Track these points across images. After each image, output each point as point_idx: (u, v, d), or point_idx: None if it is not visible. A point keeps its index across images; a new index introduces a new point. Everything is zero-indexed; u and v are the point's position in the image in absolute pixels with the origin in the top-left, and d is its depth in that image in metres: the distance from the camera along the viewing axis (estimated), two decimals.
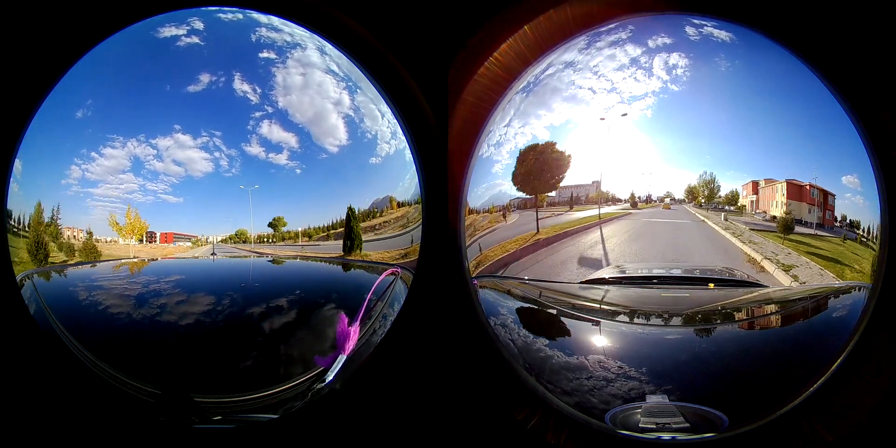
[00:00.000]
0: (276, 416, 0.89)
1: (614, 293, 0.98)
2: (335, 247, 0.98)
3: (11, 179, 0.85)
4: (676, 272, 0.97)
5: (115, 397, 0.87)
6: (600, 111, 0.94)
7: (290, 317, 0.92)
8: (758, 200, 1.03)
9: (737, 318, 0.97)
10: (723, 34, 0.90)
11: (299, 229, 0.96)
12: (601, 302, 0.99)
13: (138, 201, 0.87)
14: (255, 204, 0.91)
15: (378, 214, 0.99)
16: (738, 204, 1.04)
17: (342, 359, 0.89)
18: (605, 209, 1.06)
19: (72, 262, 0.91)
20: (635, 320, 0.97)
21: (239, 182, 0.89)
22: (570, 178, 1.02)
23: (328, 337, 0.92)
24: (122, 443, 0.87)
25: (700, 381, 0.87)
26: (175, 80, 0.87)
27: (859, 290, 0.88)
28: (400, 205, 1.01)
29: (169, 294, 0.90)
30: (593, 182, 1.04)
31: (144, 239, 0.92)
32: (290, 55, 0.92)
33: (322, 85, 0.93)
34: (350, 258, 1.01)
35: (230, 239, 0.93)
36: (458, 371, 0.91)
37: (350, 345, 0.90)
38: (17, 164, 0.86)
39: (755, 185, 1.02)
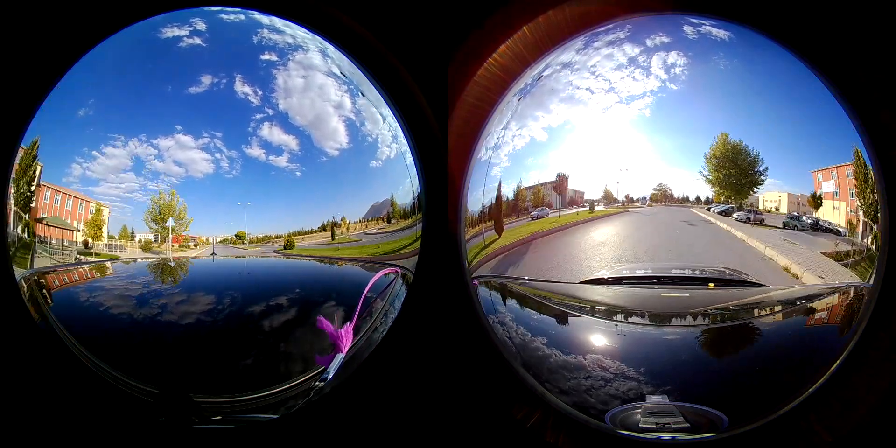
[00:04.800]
0: (276, 416, 0.89)
1: (614, 293, 0.97)
2: None
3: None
4: (676, 272, 0.97)
5: (115, 397, 0.87)
6: (598, 111, 0.93)
7: (289, 315, 0.92)
8: None
9: (737, 318, 0.97)
10: (722, 33, 0.89)
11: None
12: (601, 302, 0.98)
13: (139, 201, 0.87)
14: (255, 205, 0.91)
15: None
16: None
17: (340, 357, 0.89)
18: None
19: (71, 262, 0.91)
20: (635, 320, 0.97)
21: (240, 183, 0.89)
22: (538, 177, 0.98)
23: (326, 335, 0.92)
24: (122, 443, 0.87)
25: (700, 381, 0.87)
26: (177, 81, 0.87)
27: (859, 290, 0.88)
28: (401, 209, 1.01)
29: (169, 294, 0.90)
30: (559, 176, 0.96)
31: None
32: (292, 57, 0.92)
33: (323, 88, 0.93)
34: (349, 258, 1.01)
35: (229, 240, 0.93)
36: (458, 370, 0.91)
37: (346, 344, 0.90)
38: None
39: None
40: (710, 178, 0.87)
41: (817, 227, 0.84)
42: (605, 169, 0.94)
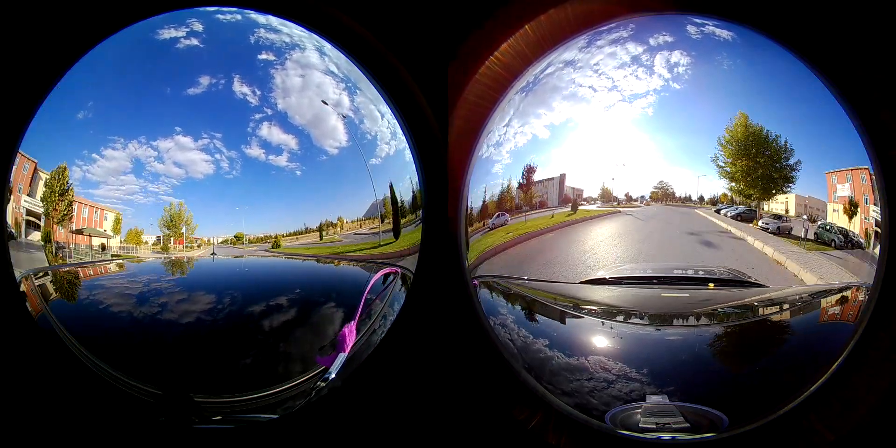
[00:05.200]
0: (276, 416, 0.89)
1: (614, 293, 0.97)
2: None
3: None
4: (677, 272, 0.97)
5: (115, 397, 0.87)
6: (601, 109, 0.91)
7: (289, 316, 0.92)
8: None
9: (737, 318, 0.97)
10: (724, 33, 0.89)
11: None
12: (601, 302, 0.98)
13: (139, 202, 0.87)
14: (257, 205, 0.92)
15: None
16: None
17: (342, 358, 0.89)
18: None
19: (72, 261, 0.91)
20: (635, 320, 0.97)
21: (240, 184, 0.89)
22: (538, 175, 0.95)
23: (328, 336, 0.92)
24: (122, 443, 0.87)
25: (700, 382, 0.87)
26: (175, 83, 0.87)
27: (859, 289, 0.88)
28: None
29: (169, 293, 0.90)
30: (527, 170, 0.93)
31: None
32: (289, 56, 0.92)
33: (321, 86, 0.93)
34: (349, 256, 1.01)
35: (229, 241, 0.94)
36: (458, 371, 0.91)
37: (349, 344, 0.90)
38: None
39: None
40: (727, 169, 0.74)
41: (848, 240, 0.70)
42: (601, 165, 0.90)
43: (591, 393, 0.88)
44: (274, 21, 0.93)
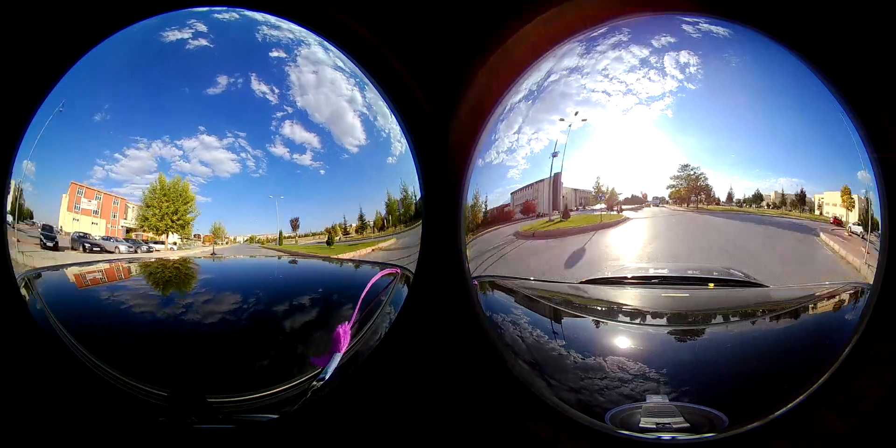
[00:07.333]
0: (276, 416, 0.89)
1: (614, 293, 0.98)
2: None
3: (23, 180, 0.86)
4: (677, 272, 0.97)
5: (115, 397, 0.87)
6: (619, 112, 0.90)
7: (289, 316, 0.92)
8: None
9: (737, 318, 0.97)
10: (721, 30, 0.88)
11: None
12: (601, 301, 0.99)
13: None
14: (283, 204, 0.92)
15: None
16: None
17: (338, 358, 0.89)
18: None
19: (72, 261, 0.91)
20: (635, 320, 0.97)
21: (266, 182, 0.89)
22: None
23: (326, 336, 0.91)
24: (122, 443, 0.87)
25: (700, 381, 0.87)
26: (193, 83, 0.87)
27: (859, 289, 0.88)
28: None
29: (171, 293, 0.90)
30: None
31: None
32: (299, 53, 0.92)
33: (335, 82, 0.94)
34: (349, 257, 1.01)
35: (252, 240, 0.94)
36: (458, 371, 0.92)
37: (343, 344, 0.90)
38: (30, 166, 0.86)
39: None
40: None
41: None
42: (620, 167, 0.89)
43: (589, 392, 0.88)
44: (271, 18, 0.94)
